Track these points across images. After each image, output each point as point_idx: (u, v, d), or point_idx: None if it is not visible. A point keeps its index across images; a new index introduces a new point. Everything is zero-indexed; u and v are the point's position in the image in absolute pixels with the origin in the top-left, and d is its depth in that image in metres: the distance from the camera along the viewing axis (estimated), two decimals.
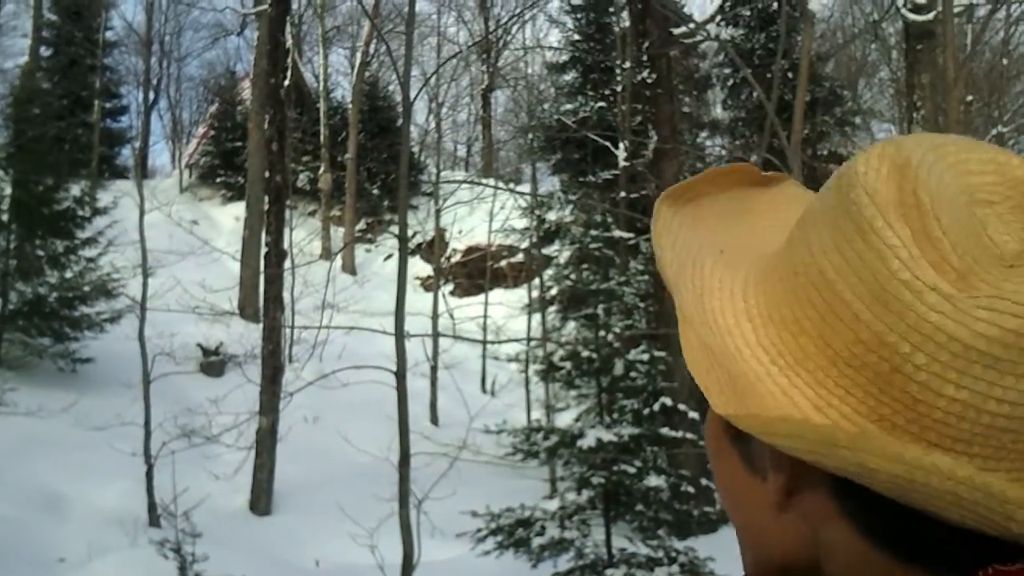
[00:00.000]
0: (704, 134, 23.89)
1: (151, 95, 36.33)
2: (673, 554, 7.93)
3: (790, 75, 17.17)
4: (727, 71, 22.60)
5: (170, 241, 19.87)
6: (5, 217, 14.80)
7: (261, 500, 12.53)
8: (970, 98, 18.07)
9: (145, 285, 12.42)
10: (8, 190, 14.87)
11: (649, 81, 12.77)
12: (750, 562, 0.67)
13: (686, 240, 0.73)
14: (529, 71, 32.86)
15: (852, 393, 0.58)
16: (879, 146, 0.62)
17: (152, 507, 10.63)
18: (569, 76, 23.89)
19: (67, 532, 9.60)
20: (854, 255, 0.58)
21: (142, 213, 12.70)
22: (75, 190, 15.95)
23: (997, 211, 0.60)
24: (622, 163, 15.70)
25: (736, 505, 0.67)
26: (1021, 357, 0.54)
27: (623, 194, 15.84)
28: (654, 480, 8.27)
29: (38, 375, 14.57)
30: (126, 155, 32.72)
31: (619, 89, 17.96)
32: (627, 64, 15.38)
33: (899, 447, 0.54)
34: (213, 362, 18.27)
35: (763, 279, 0.67)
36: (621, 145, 15.73)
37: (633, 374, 9.70)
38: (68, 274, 15.51)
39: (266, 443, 12.47)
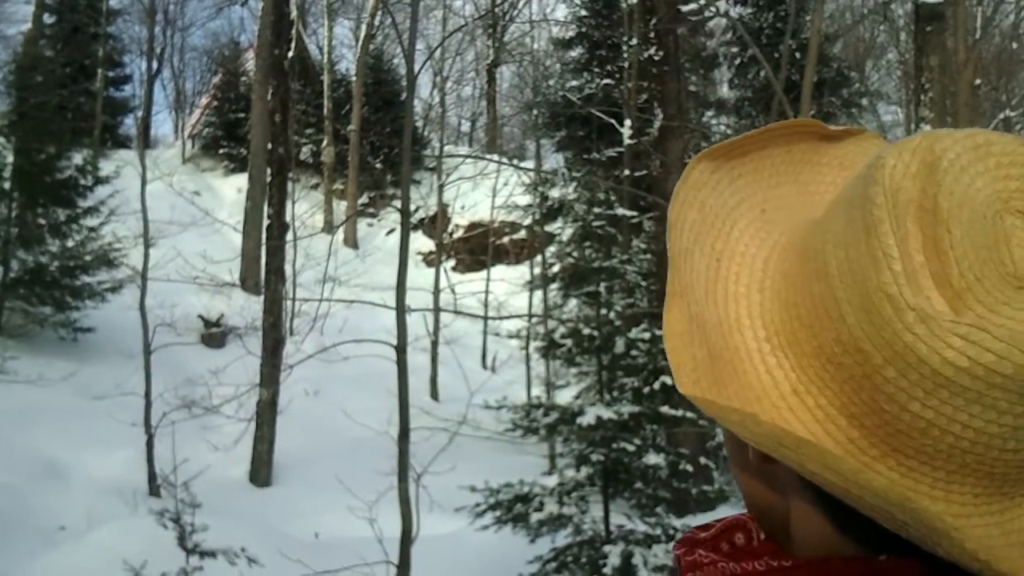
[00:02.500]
0: (710, 113, 23.76)
1: (154, 64, 36.27)
2: (671, 531, 7.95)
3: (798, 55, 17.07)
4: (735, 50, 22.46)
5: (172, 211, 19.80)
6: (7, 185, 14.75)
7: (261, 472, 12.56)
8: (978, 81, 17.95)
9: (146, 255, 12.41)
10: (10, 158, 14.82)
11: (656, 58, 12.66)
12: (747, 504, 0.71)
13: (722, 198, 0.69)
14: (535, 46, 32.68)
15: (829, 386, 0.59)
16: (917, 138, 0.59)
17: (152, 477, 10.67)
18: (575, 52, 23.75)
19: (67, 501, 9.62)
20: (856, 256, 0.57)
21: (144, 183, 12.66)
22: (77, 159, 15.89)
23: None
24: (627, 141, 15.60)
25: (733, 460, 0.72)
26: (989, 390, 0.53)
27: (627, 172, 15.76)
28: (653, 458, 8.28)
29: (39, 344, 14.57)
30: (128, 124, 32.57)
31: (625, 66, 17.83)
32: (634, 41, 15.26)
33: (835, 460, 0.55)
34: (214, 333, 18.28)
35: (788, 252, 0.66)
36: (626, 122, 15.62)
37: (634, 352, 9.68)
38: (69, 243, 15.49)
39: (266, 415, 12.50)
